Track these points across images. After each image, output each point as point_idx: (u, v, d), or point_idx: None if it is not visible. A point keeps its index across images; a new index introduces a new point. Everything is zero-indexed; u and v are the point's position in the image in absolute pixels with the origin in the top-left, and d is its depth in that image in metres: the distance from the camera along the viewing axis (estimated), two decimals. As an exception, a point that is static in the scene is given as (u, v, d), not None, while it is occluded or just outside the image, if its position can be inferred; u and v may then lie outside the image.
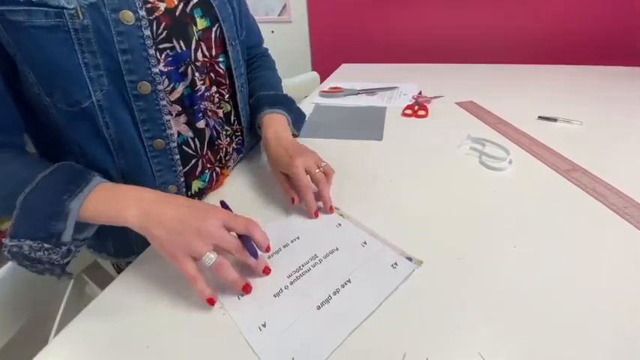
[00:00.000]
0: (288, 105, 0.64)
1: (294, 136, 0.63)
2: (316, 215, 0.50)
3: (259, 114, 0.61)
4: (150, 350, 0.34)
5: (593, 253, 0.41)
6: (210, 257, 0.36)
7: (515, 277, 0.39)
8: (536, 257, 0.41)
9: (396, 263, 0.41)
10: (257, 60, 0.74)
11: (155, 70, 0.43)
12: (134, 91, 0.43)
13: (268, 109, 0.61)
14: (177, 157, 0.50)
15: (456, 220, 0.48)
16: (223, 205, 0.43)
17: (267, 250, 0.42)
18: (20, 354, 0.33)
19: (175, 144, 0.49)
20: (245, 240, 0.39)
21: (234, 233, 0.39)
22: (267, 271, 0.41)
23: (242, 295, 0.38)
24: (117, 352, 0.34)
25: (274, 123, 0.59)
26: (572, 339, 0.32)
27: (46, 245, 0.35)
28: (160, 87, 0.44)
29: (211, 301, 0.37)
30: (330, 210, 0.50)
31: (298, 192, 0.51)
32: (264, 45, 0.79)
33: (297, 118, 0.66)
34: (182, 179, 0.52)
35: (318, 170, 0.50)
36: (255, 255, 0.40)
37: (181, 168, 0.51)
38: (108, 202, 0.38)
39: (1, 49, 0.38)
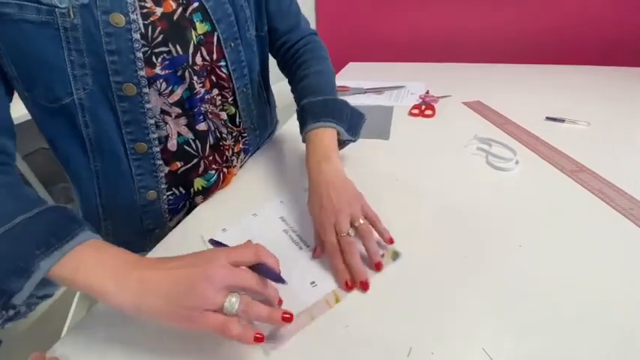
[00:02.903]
0: (336, 113, 0.54)
1: (350, 141, 0.56)
2: (355, 287, 0.39)
3: (303, 129, 0.54)
4: (165, 341, 0.35)
5: (598, 254, 0.42)
6: (232, 301, 0.30)
7: (520, 275, 0.39)
8: (542, 257, 0.42)
9: None
10: (304, 50, 0.65)
11: (142, 73, 0.43)
12: (119, 92, 0.43)
13: (312, 123, 0.52)
14: (160, 162, 0.50)
15: (462, 219, 0.49)
16: (215, 243, 0.37)
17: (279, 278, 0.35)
18: (33, 348, 0.34)
19: (158, 149, 0.49)
20: (259, 269, 0.33)
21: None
22: (280, 302, 0.36)
23: (283, 328, 0.34)
24: (131, 345, 0.35)
25: (318, 146, 0.50)
26: (574, 338, 0.33)
27: None
28: (146, 90, 0.44)
29: (261, 339, 0.30)
30: (376, 267, 0.41)
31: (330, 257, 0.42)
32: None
33: (353, 124, 0.56)
34: (163, 185, 0.51)
35: (344, 235, 0.41)
36: (280, 279, 0.33)
37: (163, 174, 0.51)
38: (91, 264, 0.31)
39: None
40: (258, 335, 0.30)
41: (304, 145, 0.54)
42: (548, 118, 0.77)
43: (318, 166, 0.48)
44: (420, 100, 0.91)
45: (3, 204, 0.34)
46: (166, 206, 0.54)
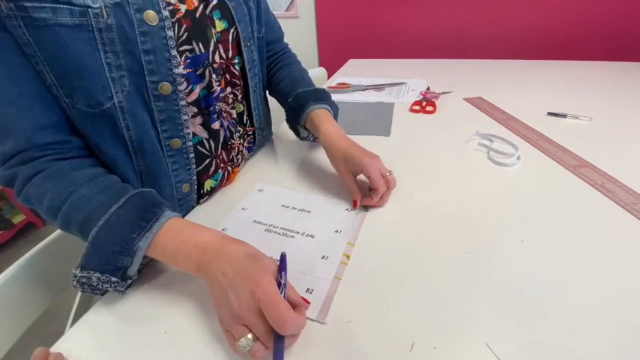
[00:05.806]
0: (329, 99, 0.64)
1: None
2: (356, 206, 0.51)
3: (306, 109, 0.60)
4: (167, 336, 0.35)
5: (601, 249, 0.42)
6: (246, 343, 0.31)
7: (523, 270, 0.39)
8: (544, 252, 0.42)
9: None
10: (282, 57, 0.73)
11: (177, 70, 0.43)
12: (155, 92, 0.43)
13: (315, 104, 0.60)
14: (192, 155, 0.50)
15: (464, 215, 0.49)
16: (282, 259, 0.38)
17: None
18: (37, 344, 0.34)
19: (191, 143, 0.50)
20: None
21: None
22: (308, 303, 0.37)
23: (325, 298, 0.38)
24: (134, 339, 0.35)
25: (328, 119, 0.59)
26: (577, 332, 0.33)
27: (112, 279, 0.37)
28: (181, 87, 0.45)
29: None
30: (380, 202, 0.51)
31: (375, 189, 0.50)
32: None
33: (335, 112, 0.66)
34: (194, 177, 0.52)
35: (389, 172, 0.51)
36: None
37: (195, 166, 0.52)
38: (172, 250, 0.37)
39: (22, 50, 0.36)
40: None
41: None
42: (549, 114, 0.77)
43: (338, 132, 0.57)
44: (421, 97, 0.91)
45: (96, 197, 0.39)
46: (195, 196, 0.55)
